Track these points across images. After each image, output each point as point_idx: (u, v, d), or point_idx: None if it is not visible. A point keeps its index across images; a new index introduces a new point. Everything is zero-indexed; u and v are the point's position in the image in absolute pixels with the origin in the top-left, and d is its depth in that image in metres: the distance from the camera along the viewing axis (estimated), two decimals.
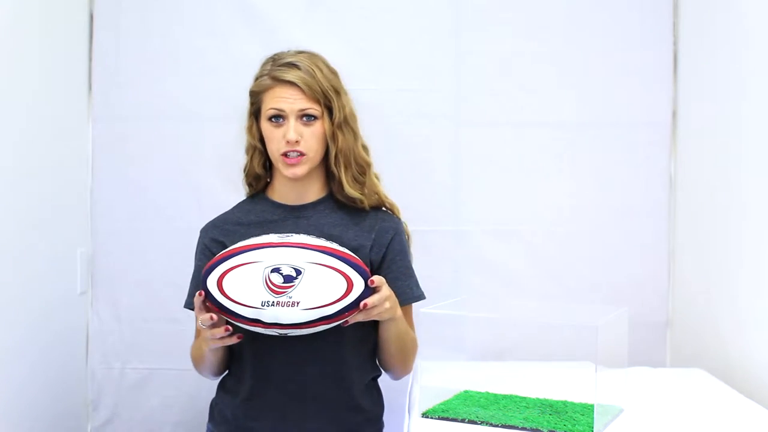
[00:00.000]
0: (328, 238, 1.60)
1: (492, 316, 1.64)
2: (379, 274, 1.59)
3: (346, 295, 1.44)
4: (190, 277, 1.72)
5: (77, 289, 2.24)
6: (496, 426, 1.40)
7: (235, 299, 1.42)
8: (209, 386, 2.27)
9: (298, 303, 1.41)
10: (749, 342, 1.81)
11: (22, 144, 1.92)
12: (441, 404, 1.51)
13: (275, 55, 1.69)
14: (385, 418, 1.85)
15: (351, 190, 1.65)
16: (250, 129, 1.68)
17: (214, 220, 1.73)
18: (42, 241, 2.02)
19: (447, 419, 1.44)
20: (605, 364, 1.38)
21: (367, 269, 1.49)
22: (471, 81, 2.30)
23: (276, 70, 1.64)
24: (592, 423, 1.37)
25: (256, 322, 1.42)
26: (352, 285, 1.44)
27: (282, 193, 1.70)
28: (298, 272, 1.42)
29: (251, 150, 1.70)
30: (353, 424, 1.66)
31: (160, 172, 2.31)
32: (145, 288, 2.31)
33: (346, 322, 1.47)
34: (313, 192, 1.69)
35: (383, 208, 1.73)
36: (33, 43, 1.97)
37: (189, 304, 1.69)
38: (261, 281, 1.41)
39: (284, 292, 1.41)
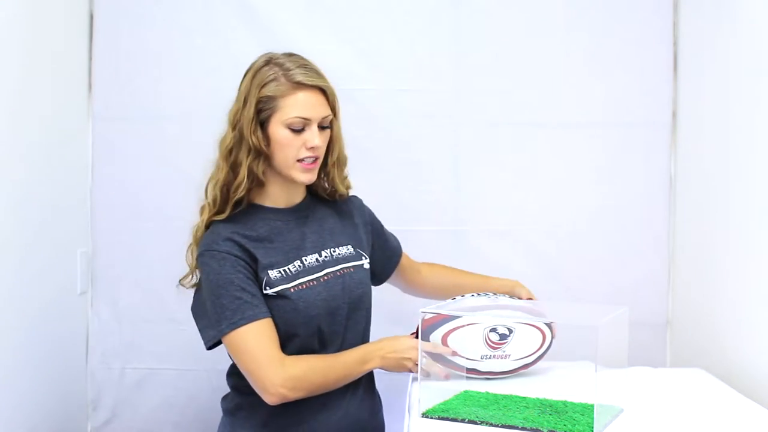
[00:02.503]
0: (331, 233, 1.71)
1: (491, 316, 1.65)
2: (376, 245, 1.82)
3: (542, 346, 1.71)
4: (213, 300, 1.58)
5: (77, 289, 2.24)
6: (496, 426, 1.40)
7: (458, 353, 1.65)
8: (209, 386, 2.28)
9: (509, 356, 1.68)
10: (749, 342, 1.81)
11: (22, 144, 1.92)
12: (441, 404, 1.51)
13: (267, 57, 1.65)
14: (386, 417, 1.85)
15: (342, 188, 1.75)
16: (254, 134, 1.60)
17: (219, 235, 1.61)
18: (42, 241, 2.02)
19: (447, 419, 1.44)
20: (605, 364, 1.38)
21: (552, 321, 1.71)
22: (471, 81, 2.30)
23: (296, 73, 1.60)
24: (592, 423, 1.37)
25: (473, 370, 1.67)
26: (545, 337, 1.71)
27: (275, 198, 1.69)
28: (510, 331, 1.66)
29: (251, 156, 1.60)
30: (374, 407, 1.77)
31: (160, 172, 2.31)
32: (145, 288, 2.31)
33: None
34: (300, 193, 1.73)
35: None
36: (33, 43, 1.97)
37: (235, 324, 1.55)
38: (481, 339, 1.65)
39: (499, 347, 1.66)
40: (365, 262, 1.73)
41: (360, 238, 1.77)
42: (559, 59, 2.30)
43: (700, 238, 2.13)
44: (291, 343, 1.62)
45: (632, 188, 2.31)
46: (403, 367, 1.63)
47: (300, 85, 1.60)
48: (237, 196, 1.62)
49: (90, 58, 2.29)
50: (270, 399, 1.56)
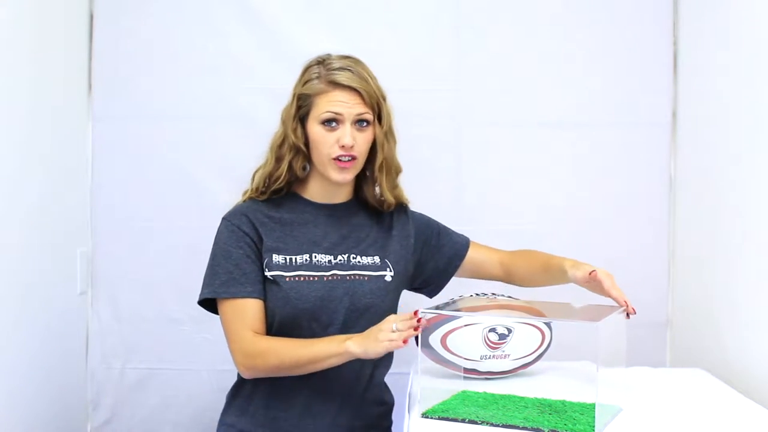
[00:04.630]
0: (358, 241, 1.71)
1: (491, 316, 1.65)
2: (426, 257, 1.80)
3: (542, 345, 1.71)
4: (211, 263, 1.66)
5: (77, 289, 2.24)
6: (497, 426, 1.39)
7: (457, 353, 1.65)
8: (209, 386, 2.28)
9: (508, 355, 1.68)
10: (749, 342, 1.81)
11: (22, 144, 1.92)
12: (441, 404, 1.51)
13: (320, 58, 1.68)
14: None
15: (389, 196, 1.74)
16: (294, 131, 1.65)
17: (241, 209, 1.69)
18: (42, 241, 2.02)
19: (447, 419, 1.44)
20: (604, 364, 1.38)
21: (551, 320, 1.72)
22: (471, 81, 2.30)
23: (332, 73, 1.63)
24: (593, 422, 1.36)
25: (472, 371, 1.66)
26: (545, 336, 1.71)
27: (315, 192, 1.72)
28: (510, 331, 1.66)
29: (291, 152, 1.66)
30: (375, 417, 1.74)
31: (160, 172, 2.30)
32: (145, 288, 2.31)
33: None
34: (343, 194, 1.74)
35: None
36: (33, 43, 1.96)
37: (217, 293, 1.63)
38: (480, 340, 1.64)
39: (499, 347, 1.66)
40: (387, 275, 1.71)
41: (390, 250, 1.74)
42: (559, 59, 2.30)
43: (700, 238, 2.13)
44: (276, 332, 1.64)
45: (632, 188, 2.31)
46: (376, 340, 1.50)
47: (335, 85, 1.63)
48: (275, 186, 1.69)
49: (90, 58, 2.29)
50: (241, 374, 1.67)
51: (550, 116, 2.30)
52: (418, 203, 2.27)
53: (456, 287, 2.20)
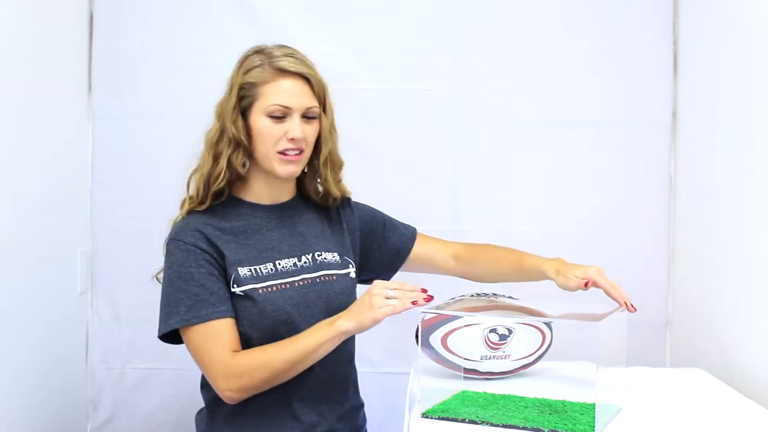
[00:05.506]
0: (317, 237, 1.65)
1: (492, 317, 1.65)
2: (372, 247, 1.74)
3: (542, 346, 1.71)
4: (168, 290, 1.53)
5: (77, 289, 2.24)
6: (497, 426, 1.39)
7: (458, 354, 1.64)
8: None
9: (509, 356, 1.67)
10: (749, 342, 1.81)
11: (21, 144, 1.92)
12: (441, 404, 1.51)
13: (258, 48, 1.58)
14: (386, 418, 1.85)
15: (335, 190, 1.66)
16: (234, 123, 1.54)
17: (189, 225, 1.57)
18: (42, 241, 2.02)
19: (447, 419, 1.44)
20: (604, 363, 1.38)
21: (552, 320, 1.72)
22: (470, 81, 2.30)
23: (277, 60, 1.53)
24: (593, 422, 1.37)
25: (472, 371, 1.66)
26: (545, 336, 1.72)
27: (258, 193, 1.62)
28: (510, 331, 1.66)
29: (231, 147, 1.54)
30: (356, 420, 1.71)
31: (160, 172, 2.30)
32: (145, 288, 2.28)
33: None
34: (287, 191, 1.66)
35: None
36: (33, 43, 1.96)
37: (186, 321, 1.50)
38: (481, 340, 1.64)
39: (499, 348, 1.66)
40: (351, 271, 1.66)
41: (346, 245, 1.69)
42: (559, 59, 2.30)
43: (699, 238, 2.13)
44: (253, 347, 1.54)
45: (632, 188, 2.31)
46: (371, 306, 1.44)
47: (283, 72, 1.52)
48: (216, 188, 1.57)
49: (90, 58, 2.29)
50: (226, 401, 1.53)
51: (549, 116, 2.30)
52: (416, 202, 2.29)
53: (456, 287, 2.20)
